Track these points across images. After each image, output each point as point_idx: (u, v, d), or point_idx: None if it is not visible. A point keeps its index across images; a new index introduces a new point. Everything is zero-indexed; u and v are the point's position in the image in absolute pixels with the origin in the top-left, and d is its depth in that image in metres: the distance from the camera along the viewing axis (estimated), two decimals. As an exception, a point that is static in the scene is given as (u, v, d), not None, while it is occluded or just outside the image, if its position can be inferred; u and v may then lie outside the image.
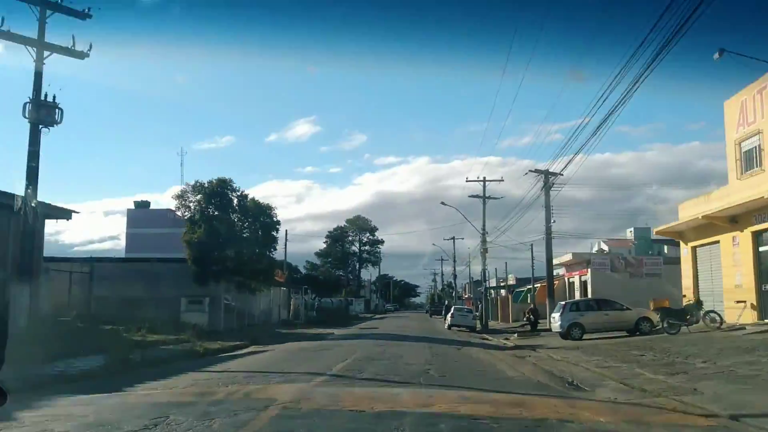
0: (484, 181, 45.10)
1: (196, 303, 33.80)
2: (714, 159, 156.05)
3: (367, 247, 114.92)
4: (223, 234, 33.29)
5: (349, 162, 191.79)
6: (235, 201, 34.82)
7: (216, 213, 34.32)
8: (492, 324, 46.42)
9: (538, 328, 35.42)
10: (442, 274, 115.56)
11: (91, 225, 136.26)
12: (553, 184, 39.19)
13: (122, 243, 71.17)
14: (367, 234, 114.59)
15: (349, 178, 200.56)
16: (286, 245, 55.27)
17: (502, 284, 77.75)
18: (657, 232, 34.48)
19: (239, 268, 33.99)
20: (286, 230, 58.17)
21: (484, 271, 45.28)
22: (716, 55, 18.43)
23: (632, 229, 69.94)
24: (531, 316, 35.16)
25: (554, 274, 57.01)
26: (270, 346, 26.69)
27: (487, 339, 33.46)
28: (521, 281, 76.22)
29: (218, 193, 34.13)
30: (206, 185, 34.27)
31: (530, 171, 39.80)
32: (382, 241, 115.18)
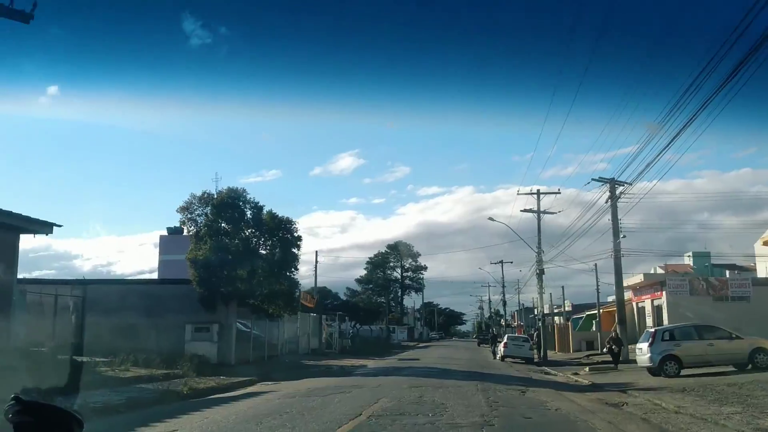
0: (539, 193, 39.02)
1: (203, 331, 28.38)
2: (766, 185, 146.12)
3: (409, 274, 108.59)
4: (234, 251, 27.96)
5: (392, 193, 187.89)
6: (249, 213, 29.50)
7: (226, 227, 29.08)
8: (550, 354, 39.84)
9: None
10: (489, 301, 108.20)
11: (142, 256, 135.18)
12: (622, 194, 32.88)
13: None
14: (410, 260, 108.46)
15: (393, 209, 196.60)
16: (316, 268, 50.00)
17: (556, 311, 70.77)
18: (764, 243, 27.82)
19: (253, 290, 28.58)
20: (317, 251, 52.84)
21: (540, 294, 38.91)
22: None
23: (690, 253, 65.06)
24: (613, 347, 28.45)
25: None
26: (282, 383, 21.33)
27: (551, 374, 27.15)
28: (577, 308, 69.18)
29: (229, 204, 28.88)
30: (215, 196, 29.09)
31: (593, 180, 33.61)
32: (425, 267, 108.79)
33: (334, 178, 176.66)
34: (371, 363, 33.71)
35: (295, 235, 30.31)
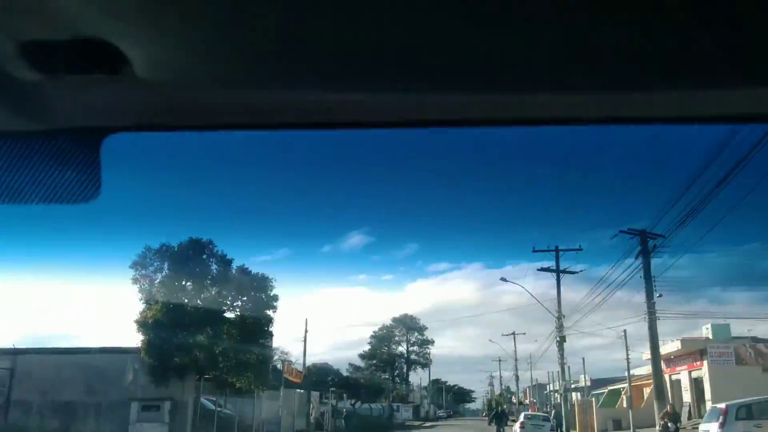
0: (557, 250, 33.93)
1: (152, 410, 22.98)
2: None
3: (415, 348, 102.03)
4: (192, 312, 22.91)
5: (401, 269, 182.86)
6: (215, 268, 24.56)
7: (185, 284, 24.12)
8: (573, 436, 33.78)
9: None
10: (500, 377, 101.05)
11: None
12: (655, 248, 27.71)
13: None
14: (416, 334, 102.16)
15: (402, 285, 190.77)
16: (305, 339, 44.39)
17: (573, 386, 64.27)
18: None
19: (215, 360, 23.36)
20: (306, 319, 47.17)
21: (562, 365, 33.17)
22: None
23: (709, 325, 60.29)
24: (668, 424, 21.87)
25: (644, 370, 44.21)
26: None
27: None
28: (596, 383, 62.65)
29: (189, 257, 24.02)
30: (175, 248, 24.27)
31: (622, 231, 28.51)
32: (431, 341, 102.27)
33: (343, 254, 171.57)
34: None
35: (271, 294, 25.26)
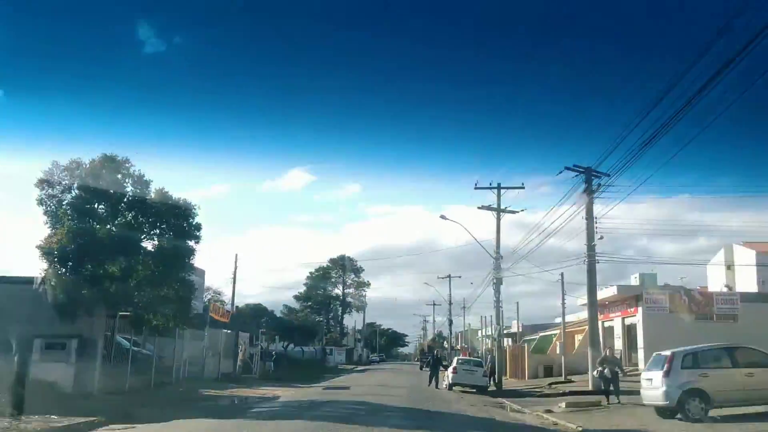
0: (499, 187, 32.54)
1: (57, 348, 20.65)
2: (703, 212, 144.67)
3: (351, 290, 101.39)
4: (103, 238, 20.44)
5: (342, 210, 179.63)
6: (130, 190, 22.00)
7: (97, 207, 21.55)
8: (504, 381, 33.13)
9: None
10: (434, 322, 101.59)
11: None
12: (599, 187, 26.57)
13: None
14: (352, 275, 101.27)
15: (341, 227, 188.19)
16: (235, 275, 42.31)
17: (506, 332, 64.64)
18: None
19: (129, 294, 21.10)
20: (236, 255, 45.10)
21: (498, 309, 32.22)
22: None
23: (637, 275, 61.59)
24: (605, 371, 20.54)
25: (575, 317, 44.28)
26: (137, 427, 14.09)
27: (516, 411, 20.39)
28: (528, 329, 63.11)
29: (102, 175, 21.38)
30: (86, 165, 21.54)
31: (567, 168, 27.27)
32: (368, 284, 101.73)
33: (284, 193, 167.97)
34: (288, 393, 26.41)
35: (193, 222, 22.95)
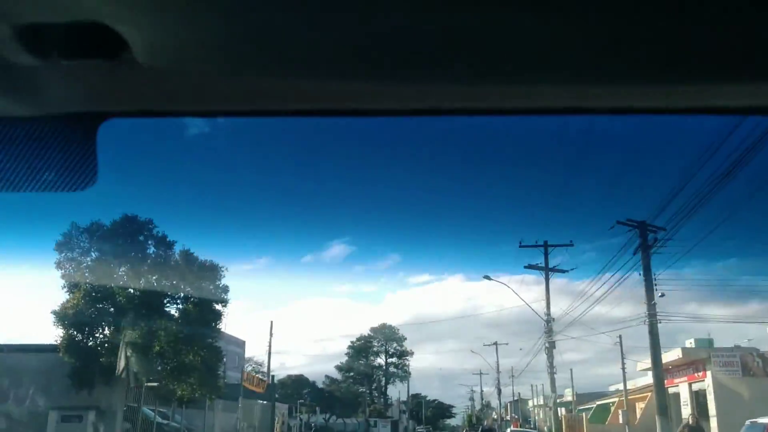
0: (546, 245, 30.46)
1: (73, 420, 19.06)
2: (753, 275, 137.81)
3: (394, 359, 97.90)
4: (124, 303, 19.10)
5: (383, 280, 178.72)
6: (152, 252, 20.78)
7: (118, 269, 20.31)
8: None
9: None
10: (481, 391, 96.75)
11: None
12: (656, 241, 24.34)
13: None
14: (395, 344, 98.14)
15: (383, 296, 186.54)
16: (270, 343, 40.49)
17: (558, 401, 60.65)
18: None
19: (150, 362, 19.54)
20: (271, 322, 43.44)
21: (551, 375, 29.53)
22: None
23: (692, 340, 58.39)
24: None
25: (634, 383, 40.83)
26: None
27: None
28: (580, 397, 59.04)
29: (122, 236, 20.24)
30: (107, 227, 20.46)
31: (620, 222, 25.16)
32: (411, 353, 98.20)
33: (325, 264, 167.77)
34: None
35: (220, 285, 21.52)
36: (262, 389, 32.30)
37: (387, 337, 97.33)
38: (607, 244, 70.55)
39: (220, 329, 22.03)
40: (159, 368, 20.02)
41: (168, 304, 20.77)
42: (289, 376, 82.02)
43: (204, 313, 20.73)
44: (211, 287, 21.19)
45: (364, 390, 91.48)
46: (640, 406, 36.98)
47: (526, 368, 57.68)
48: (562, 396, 58.79)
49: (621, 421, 30.51)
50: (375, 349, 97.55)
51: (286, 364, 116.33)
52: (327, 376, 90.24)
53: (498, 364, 62.64)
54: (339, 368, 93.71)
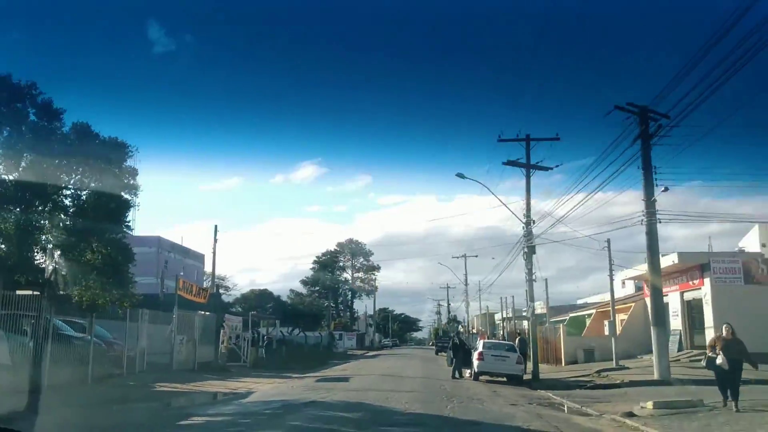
0: (528, 139, 26.06)
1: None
2: (715, 197, 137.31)
3: (360, 274, 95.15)
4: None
5: (354, 201, 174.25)
6: (33, 121, 15.73)
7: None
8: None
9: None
10: (448, 304, 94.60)
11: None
12: (660, 128, 20.22)
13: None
14: (361, 259, 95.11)
15: (353, 217, 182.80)
16: (215, 249, 36.14)
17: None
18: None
19: (27, 260, 14.99)
20: (216, 226, 38.87)
21: (530, 282, 25.73)
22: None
23: (675, 254, 55.77)
24: (716, 358, 13.06)
25: (620, 294, 37.78)
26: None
27: (581, 413, 13.96)
28: (554, 310, 56.56)
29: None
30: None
31: (618, 108, 20.85)
32: (378, 267, 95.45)
33: (296, 185, 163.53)
34: (267, 387, 20.27)
35: (127, 167, 16.72)
36: (204, 299, 28.06)
37: (353, 251, 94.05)
38: (596, 139, 65.43)
39: (129, 223, 17.37)
40: (44, 265, 15.53)
41: (59, 192, 15.96)
42: (253, 291, 78.49)
43: (104, 202, 16.01)
44: (115, 169, 16.40)
45: (330, 304, 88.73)
46: (620, 318, 33.97)
47: (493, 284, 54.97)
48: (546, 304, 56.18)
49: (606, 332, 27.19)
50: (341, 263, 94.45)
51: (256, 281, 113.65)
52: (292, 290, 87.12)
53: (466, 277, 59.39)
54: (304, 282, 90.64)
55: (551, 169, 26.27)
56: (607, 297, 39.85)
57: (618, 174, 20.97)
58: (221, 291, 79.45)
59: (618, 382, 21.17)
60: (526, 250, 25.62)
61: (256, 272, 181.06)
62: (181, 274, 61.66)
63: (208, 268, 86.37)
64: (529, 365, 24.98)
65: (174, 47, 79.83)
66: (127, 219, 17.17)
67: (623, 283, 41.20)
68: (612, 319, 27.00)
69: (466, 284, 59.25)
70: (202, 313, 28.74)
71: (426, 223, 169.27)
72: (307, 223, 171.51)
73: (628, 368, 24.85)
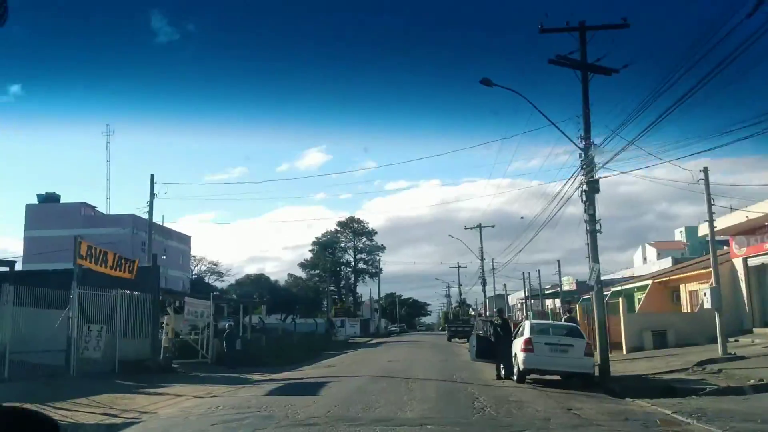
0: (583, 27, 17.39)
1: None
2: (723, 174, 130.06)
3: (363, 255, 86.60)
4: None
5: (359, 188, 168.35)
6: None
7: None
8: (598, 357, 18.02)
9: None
10: (459, 285, 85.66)
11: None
12: None
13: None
14: (364, 239, 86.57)
15: (359, 204, 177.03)
16: (151, 204, 27.63)
17: (552, 291, 49.70)
18: None
19: None
20: (152, 174, 30.04)
21: (594, 234, 16.83)
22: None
23: (682, 229, 51.85)
24: None
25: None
26: None
27: None
28: (582, 286, 48.27)
29: None
30: None
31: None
32: (382, 248, 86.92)
33: (301, 173, 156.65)
34: (185, 405, 11.90)
35: None
36: (130, 273, 19.48)
37: (355, 231, 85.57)
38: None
39: None
40: None
41: None
42: (248, 276, 70.57)
43: None
44: None
45: (332, 288, 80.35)
46: (687, 290, 25.42)
47: (503, 268, 46.94)
48: (558, 287, 47.90)
49: (708, 305, 18.51)
50: (342, 244, 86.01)
51: (266, 270, 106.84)
52: (290, 275, 78.80)
53: (482, 250, 50.72)
54: (303, 266, 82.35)
55: (616, 72, 17.63)
56: (644, 270, 31.69)
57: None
58: (215, 277, 71.71)
59: (756, 382, 12.68)
60: (585, 187, 17.00)
61: (264, 262, 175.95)
62: (163, 257, 54.09)
63: (198, 252, 78.50)
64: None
65: (177, 36, 77.61)
66: None
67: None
68: (715, 283, 18.22)
69: (482, 259, 50.52)
70: (128, 292, 20.29)
71: (434, 207, 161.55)
72: (312, 210, 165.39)
73: (744, 357, 16.34)
